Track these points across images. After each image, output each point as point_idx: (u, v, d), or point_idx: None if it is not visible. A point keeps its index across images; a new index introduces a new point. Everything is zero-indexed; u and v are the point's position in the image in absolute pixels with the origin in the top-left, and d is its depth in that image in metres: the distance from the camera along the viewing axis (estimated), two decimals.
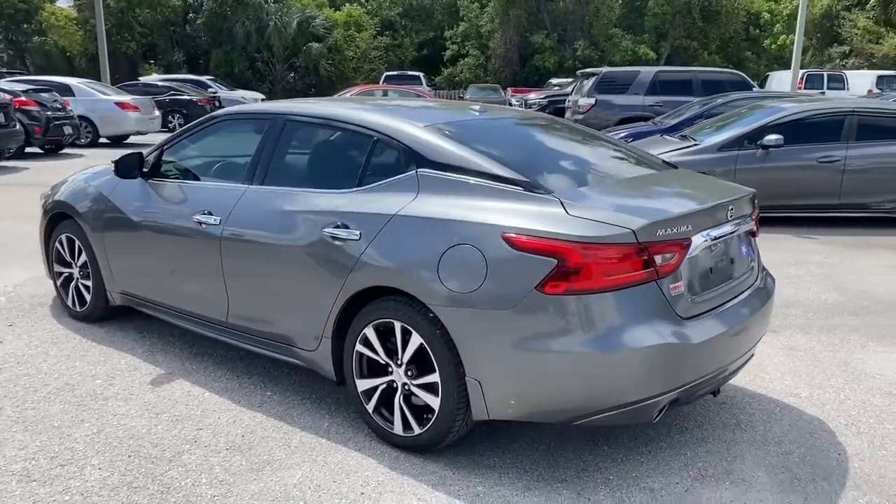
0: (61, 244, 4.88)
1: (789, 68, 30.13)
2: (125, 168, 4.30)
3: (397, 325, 3.12)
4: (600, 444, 3.32)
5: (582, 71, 16.35)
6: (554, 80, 32.31)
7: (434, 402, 3.06)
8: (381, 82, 31.11)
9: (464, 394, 2.97)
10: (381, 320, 3.18)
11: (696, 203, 3.16)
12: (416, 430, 3.15)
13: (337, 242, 3.28)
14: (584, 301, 2.73)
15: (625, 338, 2.74)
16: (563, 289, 2.72)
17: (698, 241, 2.95)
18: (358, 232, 3.22)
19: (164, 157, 4.37)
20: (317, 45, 37.46)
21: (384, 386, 3.25)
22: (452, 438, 3.12)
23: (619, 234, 2.73)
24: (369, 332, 3.23)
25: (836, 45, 39.83)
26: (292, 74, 38.79)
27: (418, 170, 3.23)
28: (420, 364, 3.10)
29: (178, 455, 3.20)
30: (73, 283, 4.87)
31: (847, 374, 4.20)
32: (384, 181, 3.32)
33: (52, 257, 4.97)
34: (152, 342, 4.53)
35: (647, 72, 14.15)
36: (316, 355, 3.50)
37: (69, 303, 4.93)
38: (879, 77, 29.24)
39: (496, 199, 2.99)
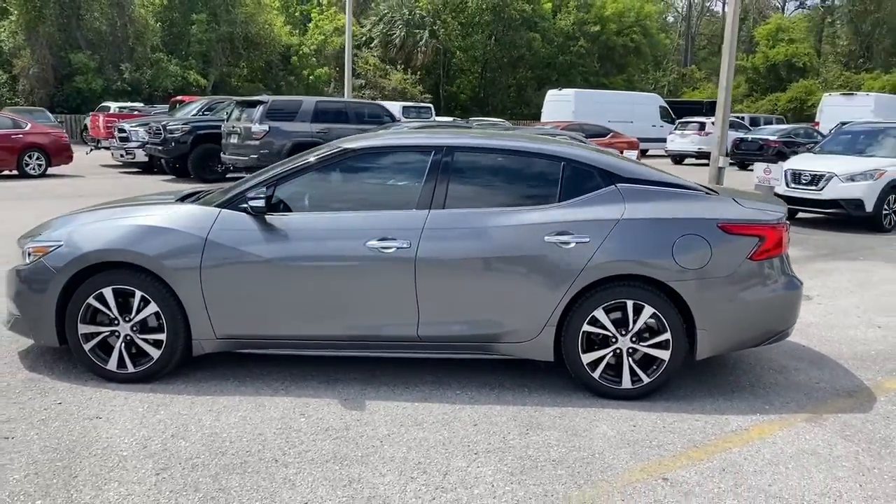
0: (101, 300, 4.20)
1: (319, 97, 34.20)
2: (260, 206, 4.12)
3: (629, 303, 4.13)
4: (705, 373, 4.78)
5: (240, 98, 16.59)
6: (112, 104, 30.37)
7: (664, 354, 4.17)
8: None
9: (688, 343, 4.17)
10: (613, 301, 4.13)
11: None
12: (645, 380, 4.20)
13: (568, 246, 4.09)
14: (773, 263, 4.24)
15: (788, 284, 4.34)
16: (765, 256, 4.18)
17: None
18: (586, 236, 4.10)
19: (278, 191, 4.30)
20: None
21: (609, 354, 4.19)
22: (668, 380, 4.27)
23: (781, 217, 4.30)
24: (598, 313, 4.15)
25: (354, 78, 45.86)
26: None
27: (617, 185, 4.26)
28: (645, 329, 4.16)
29: (487, 445, 3.66)
30: (119, 343, 4.24)
31: None
32: (587, 195, 4.24)
33: (78, 317, 4.21)
34: (254, 384, 4.35)
35: (309, 101, 15.28)
36: (534, 343, 4.21)
37: (110, 366, 4.26)
38: (404, 108, 35.35)
39: (692, 201, 4.26)
